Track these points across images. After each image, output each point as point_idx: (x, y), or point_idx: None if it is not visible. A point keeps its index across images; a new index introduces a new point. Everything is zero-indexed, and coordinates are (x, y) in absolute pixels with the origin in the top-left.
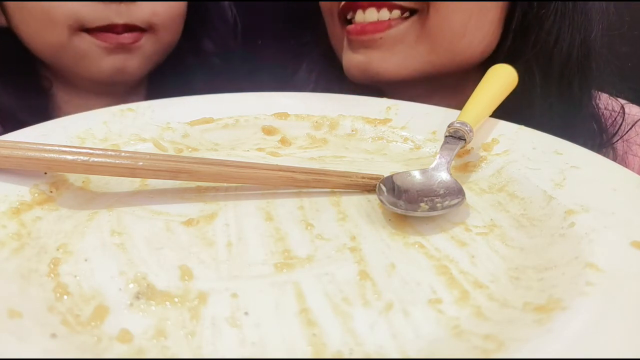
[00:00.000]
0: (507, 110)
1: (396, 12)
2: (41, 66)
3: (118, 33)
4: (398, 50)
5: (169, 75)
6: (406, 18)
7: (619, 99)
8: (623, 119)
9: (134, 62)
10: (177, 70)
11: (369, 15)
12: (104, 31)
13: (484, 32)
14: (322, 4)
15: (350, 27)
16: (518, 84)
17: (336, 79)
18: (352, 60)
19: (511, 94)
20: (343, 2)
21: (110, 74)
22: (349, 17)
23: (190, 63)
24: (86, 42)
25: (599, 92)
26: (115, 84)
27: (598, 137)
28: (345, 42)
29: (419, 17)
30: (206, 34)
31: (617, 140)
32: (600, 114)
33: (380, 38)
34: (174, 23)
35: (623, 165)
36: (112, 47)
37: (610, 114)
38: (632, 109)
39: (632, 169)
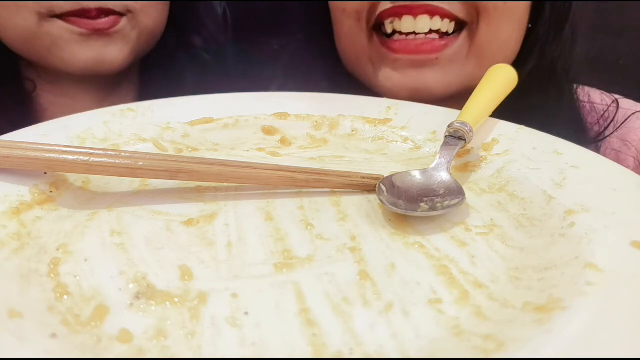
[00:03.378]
0: (505, 110)
1: (446, 23)
2: (25, 68)
3: (92, 18)
4: (451, 70)
5: (159, 72)
6: (458, 34)
7: (612, 94)
8: (617, 112)
9: (113, 50)
10: (167, 66)
11: (420, 24)
12: (78, 16)
13: (518, 45)
14: (342, 6)
15: (397, 43)
16: (518, 86)
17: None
18: (398, 80)
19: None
20: (388, 6)
21: (86, 64)
22: (388, 27)
23: (181, 59)
24: (58, 27)
25: (589, 89)
26: (96, 76)
27: (589, 131)
28: (381, 58)
29: (469, 31)
30: (195, 30)
31: (611, 133)
32: (592, 109)
33: (436, 58)
34: (154, 7)
35: (618, 159)
36: (88, 33)
37: (603, 108)
38: (627, 103)
39: (626, 162)
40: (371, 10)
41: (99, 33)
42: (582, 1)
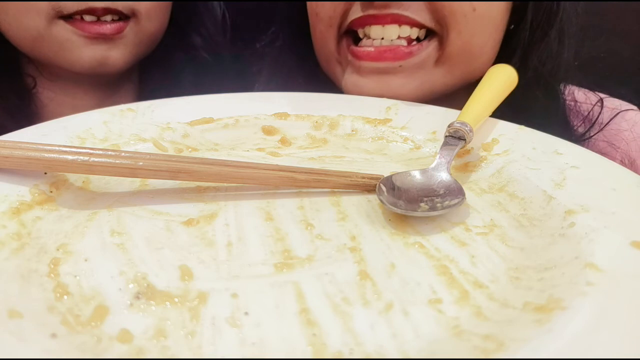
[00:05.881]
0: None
1: (416, 31)
2: (26, 64)
3: (98, 16)
4: (417, 76)
5: (158, 72)
6: (428, 41)
7: (597, 93)
8: (601, 111)
9: (116, 53)
10: (166, 66)
11: (389, 31)
12: (85, 14)
13: (495, 51)
14: (315, 10)
15: (360, 51)
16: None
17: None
18: (363, 86)
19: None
20: (358, 15)
21: (91, 65)
22: (360, 32)
23: (180, 59)
24: (65, 30)
25: (573, 87)
26: (98, 76)
27: (575, 132)
28: (348, 63)
29: (439, 40)
30: (194, 30)
31: (597, 132)
32: (577, 108)
33: (400, 66)
34: (158, 12)
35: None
36: (93, 37)
37: (588, 107)
38: (611, 102)
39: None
40: (343, 18)
41: (104, 37)
42: (570, 1)
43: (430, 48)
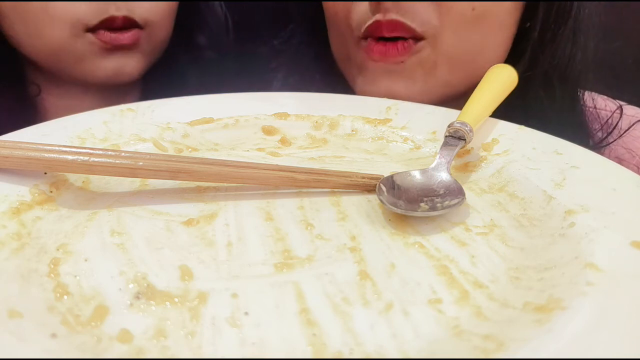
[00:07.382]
0: (506, 111)
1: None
2: (31, 72)
3: (117, 27)
4: (419, 77)
5: (162, 73)
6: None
7: (617, 100)
8: (620, 118)
9: (132, 62)
10: (170, 67)
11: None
12: (105, 27)
13: (503, 49)
14: (334, 10)
15: (375, 46)
16: (518, 89)
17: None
18: (375, 90)
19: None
20: (369, 23)
21: (107, 75)
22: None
23: (183, 59)
24: (87, 43)
25: (593, 94)
26: (112, 85)
27: (593, 137)
28: (363, 65)
29: (432, 41)
30: (198, 29)
31: (614, 140)
32: (596, 114)
33: (402, 62)
34: (167, 20)
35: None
36: (113, 48)
37: (607, 114)
38: (631, 110)
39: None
40: (357, 19)
41: (122, 47)
42: (584, 1)
43: (423, 46)
